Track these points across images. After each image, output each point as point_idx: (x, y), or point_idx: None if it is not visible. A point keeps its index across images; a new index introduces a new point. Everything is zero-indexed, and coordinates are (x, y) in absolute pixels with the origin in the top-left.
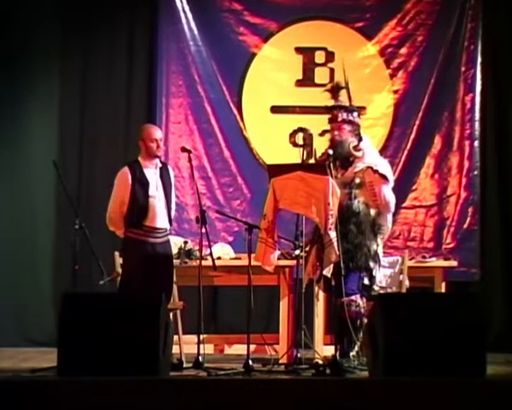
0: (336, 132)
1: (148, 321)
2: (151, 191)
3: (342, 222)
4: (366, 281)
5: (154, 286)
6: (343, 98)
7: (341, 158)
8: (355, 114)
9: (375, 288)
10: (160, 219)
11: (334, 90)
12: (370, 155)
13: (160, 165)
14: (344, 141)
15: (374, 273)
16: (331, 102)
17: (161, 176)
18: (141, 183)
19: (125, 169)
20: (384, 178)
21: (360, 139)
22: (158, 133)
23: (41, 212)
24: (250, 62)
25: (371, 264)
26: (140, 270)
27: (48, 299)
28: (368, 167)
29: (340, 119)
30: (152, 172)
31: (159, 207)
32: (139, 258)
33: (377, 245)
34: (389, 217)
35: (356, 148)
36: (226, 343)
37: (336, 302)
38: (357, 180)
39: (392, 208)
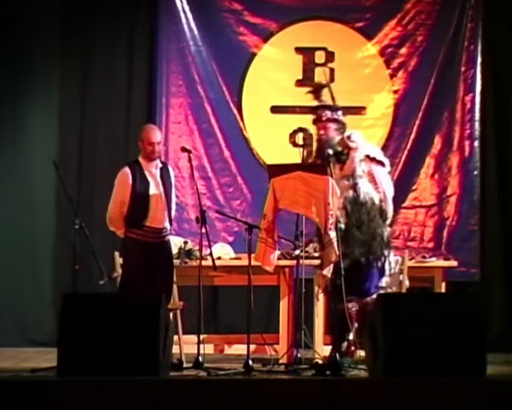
0: (322, 132)
1: (148, 321)
2: (151, 191)
3: (352, 214)
4: (383, 283)
5: (154, 286)
6: (326, 98)
7: (334, 154)
8: (339, 112)
9: (386, 279)
10: (161, 220)
11: (316, 91)
12: (364, 144)
13: (160, 165)
14: (330, 139)
15: (390, 259)
16: (315, 104)
17: (162, 176)
18: (141, 183)
19: (126, 169)
20: (381, 164)
21: (350, 133)
22: (155, 137)
23: (41, 212)
24: (250, 62)
25: (385, 251)
26: (140, 270)
27: (48, 299)
28: (366, 156)
29: (324, 118)
30: (152, 173)
31: (159, 208)
32: (139, 258)
33: (387, 231)
34: (390, 201)
35: (351, 140)
36: (226, 343)
37: (336, 305)
38: (360, 170)
39: (392, 193)
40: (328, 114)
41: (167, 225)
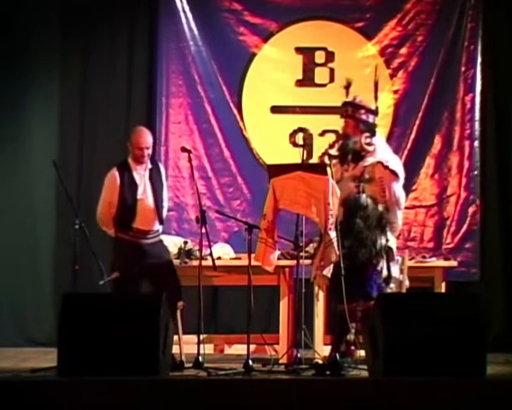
0: (343, 127)
1: (148, 321)
2: (139, 194)
3: (349, 215)
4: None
5: (157, 287)
6: (358, 95)
7: (350, 152)
8: (362, 110)
9: (391, 285)
10: (149, 222)
11: (346, 87)
12: (382, 150)
13: (149, 166)
14: (349, 136)
15: (379, 268)
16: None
17: (151, 177)
18: (129, 185)
19: (114, 171)
20: (394, 174)
21: (372, 135)
22: (145, 141)
23: (41, 212)
24: (250, 62)
25: (374, 260)
26: (130, 270)
27: (48, 299)
28: (378, 162)
29: (345, 114)
30: (141, 174)
31: (147, 210)
32: (129, 259)
33: (386, 240)
34: (399, 214)
35: (368, 143)
36: (226, 343)
37: (336, 306)
38: (367, 175)
39: (402, 205)
40: (349, 111)
41: (157, 226)
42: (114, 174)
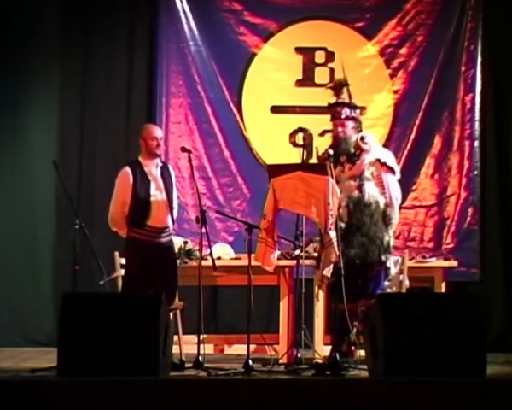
0: (340, 129)
1: (148, 321)
2: (152, 191)
3: (355, 214)
4: (387, 283)
5: (158, 286)
6: (345, 96)
7: (346, 154)
8: (357, 111)
9: (386, 283)
10: (163, 219)
11: (338, 88)
12: (376, 147)
13: (160, 164)
14: (348, 137)
15: (388, 265)
16: (333, 100)
17: (162, 175)
18: (142, 182)
19: (126, 169)
20: (391, 170)
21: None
22: (158, 132)
23: (41, 212)
24: (250, 62)
25: (383, 257)
26: (143, 270)
27: (48, 299)
28: (376, 160)
29: (343, 115)
30: (153, 172)
31: (161, 207)
32: (142, 258)
33: (389, 237)
34: (396, 208)
35: (364, 142)
36: (226, 343)
37: (337, 306)
38: (368, 173)
39: (400, 200)
40: (347, 111)
41: (170, 224)
42: (127, 171)
